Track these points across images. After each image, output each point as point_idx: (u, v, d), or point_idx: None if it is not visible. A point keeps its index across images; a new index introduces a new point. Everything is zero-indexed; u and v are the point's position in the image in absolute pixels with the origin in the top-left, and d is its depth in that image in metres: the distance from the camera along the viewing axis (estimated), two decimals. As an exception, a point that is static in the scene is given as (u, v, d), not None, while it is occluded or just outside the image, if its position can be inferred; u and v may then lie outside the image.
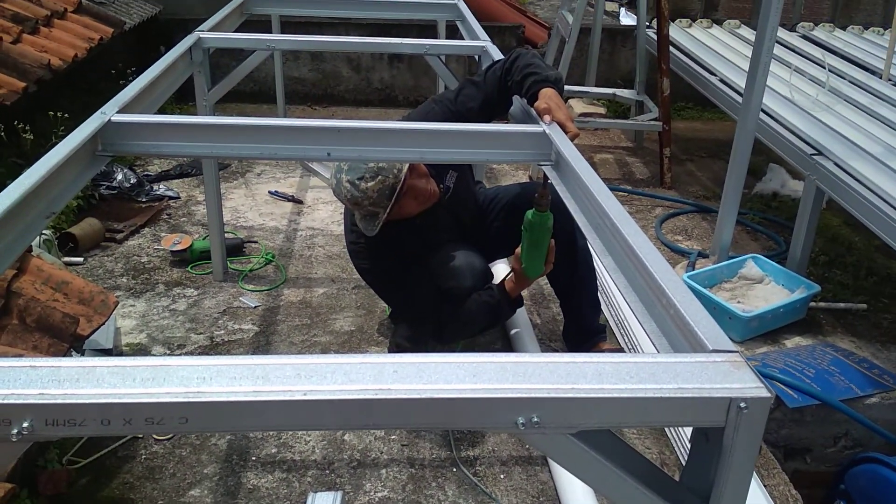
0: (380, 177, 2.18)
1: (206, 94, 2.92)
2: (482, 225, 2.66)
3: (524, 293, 2.68)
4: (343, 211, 2.58)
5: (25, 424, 0.80)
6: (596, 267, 2.64)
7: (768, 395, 0.87)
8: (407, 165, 2.23)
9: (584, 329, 2.67)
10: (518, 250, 2.36)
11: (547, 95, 1.96)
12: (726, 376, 0.89)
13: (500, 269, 2.96)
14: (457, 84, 2.47)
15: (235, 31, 3.18)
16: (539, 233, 2.26)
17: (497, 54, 2.57)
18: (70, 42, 3.87)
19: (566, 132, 1.78)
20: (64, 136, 1.57)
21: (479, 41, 2.85)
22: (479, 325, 2.56)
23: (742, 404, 0.86)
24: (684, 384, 0.88)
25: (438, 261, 2.47)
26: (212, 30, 2.81)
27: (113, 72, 4.53)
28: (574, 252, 2.53)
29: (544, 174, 1.81)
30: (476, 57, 2.84)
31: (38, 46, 3.59)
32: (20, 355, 1.90)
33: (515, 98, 2.22)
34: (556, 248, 2.36)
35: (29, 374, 0.83)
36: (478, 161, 2.02)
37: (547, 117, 1.85)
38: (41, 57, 3.45)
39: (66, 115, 3.63)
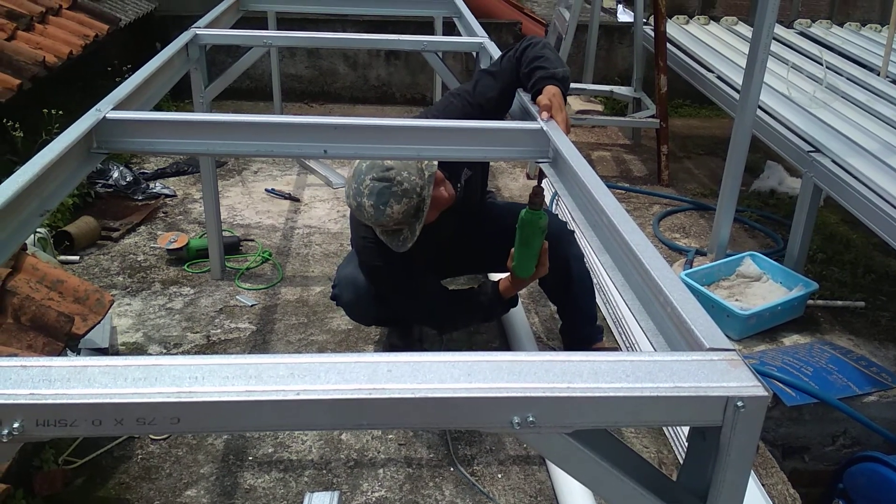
0: (405, 199, 2.10)
1: (203, 92, 2.90)
2: (482, 232, 2.61)
3: (522, 292, 2.67)
4: (349, 213, 2.52)
5: (16, 425, 0.79)
6: (593, 273, 2.62)
7: (765, 393, 0.86)
8: (431, 181, 2.16)
9: (579, 339, 2.64)
10: (513, 249, 2.33)
11: (551, 93, 1.96)
12: (723, 375, 0.89)
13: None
14: (457, 83, 2.44)
15: (232, 28, 3.17)
16: (530, 231, 2.20)
17: (494, 50, 2.56)
18: (65, 39, 3.86)
19: None
20: (58, 134, 1.56)
21: (477, 37, 2.83)
22: (470, 321, 2.62)
23: (739, 403, 0.85)
24: (681, 383, 0.87)
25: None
26: (208, 26, 2.81)
27: (109, 69, 4.51)
28: (570, 280, 2.50)
29: (540, 171, 1.80)
30: (474, 53, 2.83)
31: (32, 43, 3.57)
32: (14, 355, 1.89)
33: (517, 94, 2.21)
34: (550, 274, 2.33)
35: (19, 374, 0.82)
36: (475, 158, 2.00)
37: (545, 114, 1.84)
38: (36, 54, 3.43)
39: (59, 112, 3.61)
